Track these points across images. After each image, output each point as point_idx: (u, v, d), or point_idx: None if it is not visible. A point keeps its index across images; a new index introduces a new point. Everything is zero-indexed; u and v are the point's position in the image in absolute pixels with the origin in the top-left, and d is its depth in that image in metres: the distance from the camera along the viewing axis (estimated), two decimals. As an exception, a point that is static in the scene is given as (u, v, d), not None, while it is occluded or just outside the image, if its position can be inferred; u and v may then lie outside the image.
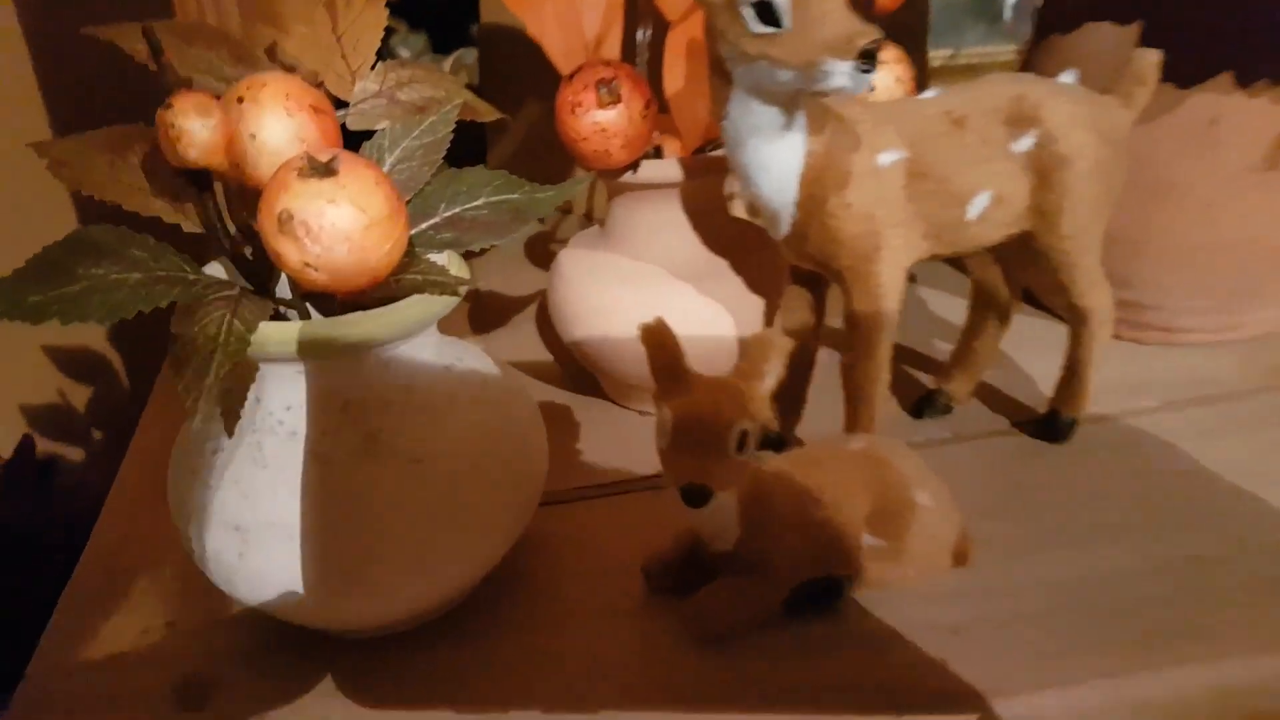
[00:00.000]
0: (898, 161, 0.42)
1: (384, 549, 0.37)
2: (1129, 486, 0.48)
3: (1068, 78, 0.46)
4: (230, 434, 0.34)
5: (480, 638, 0.41)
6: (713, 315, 0.53)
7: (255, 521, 0.36)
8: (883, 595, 0.41)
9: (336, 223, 0.32)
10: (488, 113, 0.50)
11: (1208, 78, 0.54)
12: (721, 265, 0.54)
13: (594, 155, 0.48)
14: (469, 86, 0.51)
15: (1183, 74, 0.53)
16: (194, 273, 0.35)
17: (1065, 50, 0.60)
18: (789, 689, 0.37)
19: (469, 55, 0.96)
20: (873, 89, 0.40)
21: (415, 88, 0.47)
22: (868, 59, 0.35)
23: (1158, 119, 0.54)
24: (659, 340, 0.37)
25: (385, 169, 0.42)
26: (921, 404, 0.55)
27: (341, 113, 0.44)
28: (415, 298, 0.36)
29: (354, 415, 0.37)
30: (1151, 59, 0.46)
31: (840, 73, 0.35)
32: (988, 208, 0.44)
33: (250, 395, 0.37)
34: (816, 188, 0.42)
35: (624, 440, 0.56)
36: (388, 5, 0.45)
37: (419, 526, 0.37)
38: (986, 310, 0.53)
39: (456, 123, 0.44)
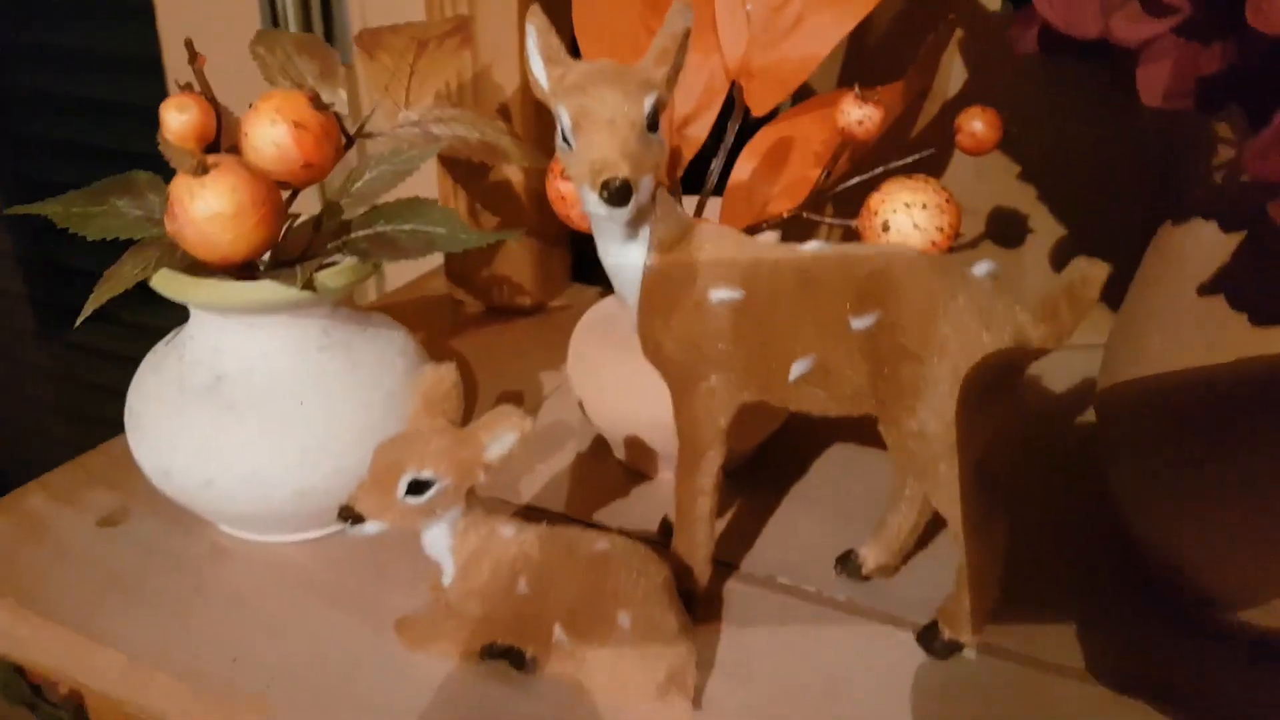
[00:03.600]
0: (729, 301, 0.41)
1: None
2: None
3: (980, 269, 0.40)
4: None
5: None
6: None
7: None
8: None
9: (189, 209, 0.43)
10: (520, 159, 0.57)
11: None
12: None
13: (562, 218, 0.53)
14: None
15: None
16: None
17: None
18: None
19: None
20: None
21: (452, 125, 0.56)
22: (612, 193, 0.36)
23: None
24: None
25: (365, 178, 0.52)
26: (838, 560, 0.52)
27: (389, 129, 0.55)
28: (263, 283, 0.46)
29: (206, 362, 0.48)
30: (1095, 273, 0.37)
31: (590, 201, 0.37)
32: (812, 375, 0.41)
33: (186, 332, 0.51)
34: (650, 303, 0.43)
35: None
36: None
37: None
38: (904, 479, 0.48)
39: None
